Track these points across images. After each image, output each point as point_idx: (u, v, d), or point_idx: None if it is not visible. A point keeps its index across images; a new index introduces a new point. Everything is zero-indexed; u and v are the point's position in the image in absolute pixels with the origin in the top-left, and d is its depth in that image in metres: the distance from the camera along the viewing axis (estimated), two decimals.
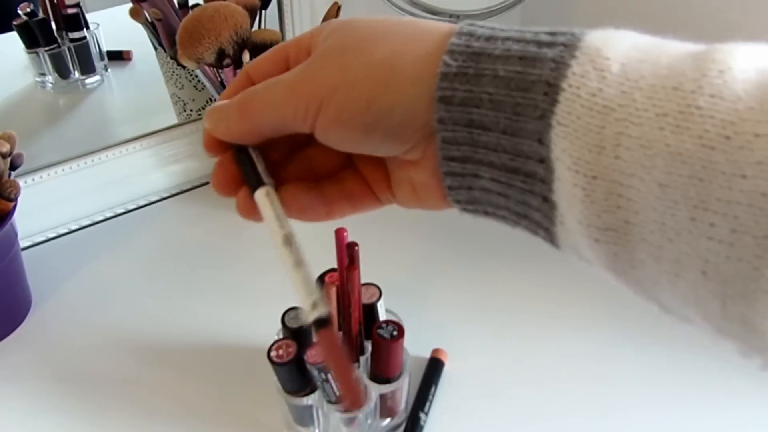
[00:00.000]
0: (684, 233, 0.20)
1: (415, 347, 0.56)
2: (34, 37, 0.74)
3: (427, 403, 0.54)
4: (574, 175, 0.22)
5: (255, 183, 0.29)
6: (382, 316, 0.50)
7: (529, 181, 0.24)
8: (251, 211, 0.29)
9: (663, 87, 0.21)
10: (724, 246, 0.20)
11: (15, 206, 0.57)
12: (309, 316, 0.25)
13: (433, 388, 0.55)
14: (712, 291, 0.21)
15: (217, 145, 0.30)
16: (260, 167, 0.29)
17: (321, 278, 0.50)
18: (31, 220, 0.69)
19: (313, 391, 0.47)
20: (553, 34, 0.24)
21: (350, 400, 0.25)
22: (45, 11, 0.73)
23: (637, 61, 0.22)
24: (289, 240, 0.27)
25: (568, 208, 0.23)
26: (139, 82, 0.84)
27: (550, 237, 0.25)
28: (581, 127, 0.22)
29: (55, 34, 0.74)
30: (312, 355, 0.44)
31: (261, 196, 0.28)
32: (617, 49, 0.22)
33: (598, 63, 0.22)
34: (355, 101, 0.25)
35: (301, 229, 0.28)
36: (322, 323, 0.25)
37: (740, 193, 0.19)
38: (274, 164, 0.30)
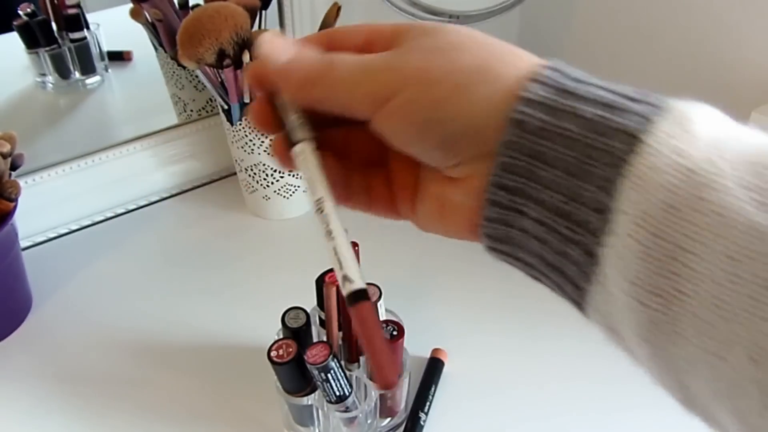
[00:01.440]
0: (741, 313, 0.19)
1: (415, 347, 0.56)
2: (34, 37, 0.74)
3: (427, 403, 0.54)
4: (637, 229, 0.21)
5: (295, 135, 0.28)
6: (382, 316, 0.51)
7: (578, 231, 0.23)
8: (281, 155, 0.29)
9: (751, 163, 0.21)
10: None
11: (15, 206, 0.58)
12: (343, 291, 0.24)
13: (433, 388, 0.55)
14: (756, 381, 0.20)
15: (263, 81, 0.29)
16: (298, 118, 0.28)
17: (321, 278, 0.50)
18: (31, 220, 0.69)
19: (313, 390, 0.47)
20: (640, 92, 0.24)
21: (381, 379, 0.24)
22: (45, 11, 0.73)
23: (721, 132, 0.22)
24: (320, 207, 0.26)
25: (617, 263, 0.22)
26: (140, 83, 0.84)
27: (579, 295, 0.24)
28: (657, 183, 0.21)
29: (56, 35, 0.74)
30: (312, 355, 0.44)
31: (299, 151, 0.27)
32: (703, 117, 0.22)
33: (686, 126, 0.22)
34: (426, 97, 0.25)
35: None
36: (353, 298, 0.24)
37: None
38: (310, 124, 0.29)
